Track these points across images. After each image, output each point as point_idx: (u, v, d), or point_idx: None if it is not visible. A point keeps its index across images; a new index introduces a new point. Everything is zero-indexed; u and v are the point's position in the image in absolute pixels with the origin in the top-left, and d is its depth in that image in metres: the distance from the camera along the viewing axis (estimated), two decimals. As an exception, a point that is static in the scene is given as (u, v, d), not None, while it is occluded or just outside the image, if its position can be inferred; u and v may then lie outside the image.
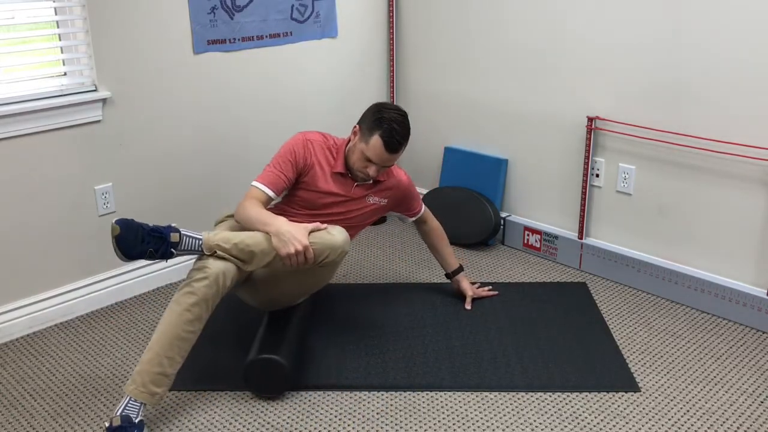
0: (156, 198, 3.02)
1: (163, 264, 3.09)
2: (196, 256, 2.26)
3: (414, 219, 2.82)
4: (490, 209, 3.39)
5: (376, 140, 2.40)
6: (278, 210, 2.55)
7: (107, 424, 2.06)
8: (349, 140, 2.55)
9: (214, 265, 2.19)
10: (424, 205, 2.83)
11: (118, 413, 2.07)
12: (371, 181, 2.58)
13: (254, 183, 2.44)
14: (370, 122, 2.43)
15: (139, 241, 2.13)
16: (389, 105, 2.51)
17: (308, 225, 2.29)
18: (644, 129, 2.92)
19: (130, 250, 2.13)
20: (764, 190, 2.66)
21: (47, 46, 2.72)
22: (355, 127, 2.51)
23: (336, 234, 2.32)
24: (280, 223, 2.26)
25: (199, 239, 2.23)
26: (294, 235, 2.22)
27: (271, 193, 2.43)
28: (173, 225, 2.25)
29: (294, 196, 2.57)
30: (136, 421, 2.08)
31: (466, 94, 3.55)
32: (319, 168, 2.53)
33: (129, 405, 2.09)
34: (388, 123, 2.39)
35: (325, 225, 2.34)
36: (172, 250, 2.18)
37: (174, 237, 2.18)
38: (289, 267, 2.25)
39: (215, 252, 2.21)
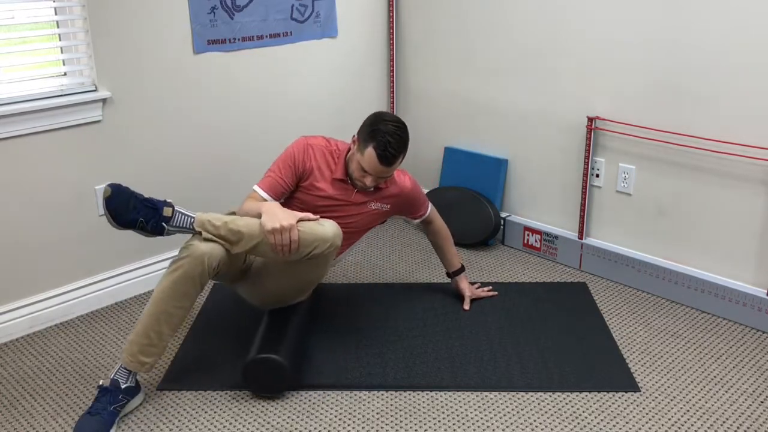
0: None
1: (163, 264, 3.09)
2: (188, 234, 2.29)
3: (418, 221, 2.82)
4: (490, 209, 3.39)
5: (370, 152, 2.38)
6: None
7: (100, 382, 2.22)
8: (350, 148, 2.54)
9: (199, 245, 2.22)
10: (430, 206, 2.81)
11: (110, 376, 2.22)
12: (372, 188, 2.57)
13: (255, 187, 2.49)
14: (366, 133, 2.41)
15: (131, 208, 2.18)
16: (387, 116, 2.47)
17: (299, 213, 2.29)
18: (644, 129, 2.92)
19: (121, 215, 2.17)
20: (764, 190, 2.66)
21: (47, 46, 2.72)
22: (354, 136, 2.50)
23: (327, 226, 2.30)
24: (273, 206, 2.32)
25: (192, 218, 2.26)
26: (283, 214, 2.24)
27: (269, 198, 2.46)
28: (169, 200, 2.27)
29: (293, 198, 2.58)
30: (123, 387, 2.21)
31: (466, 94, 3.55)
32: (319, 173, 2.53)
33: (120, 371, 2.23)
34: (382, 135, 2.36)
35: (317, 216, 2.33)
36: (164, 224, 2.22)
37: (167, 211, 2.23)
38: (274, 251, 2.24)
39: (202, 232, 2.24)
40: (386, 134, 2.37)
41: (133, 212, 2.18)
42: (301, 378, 2.39)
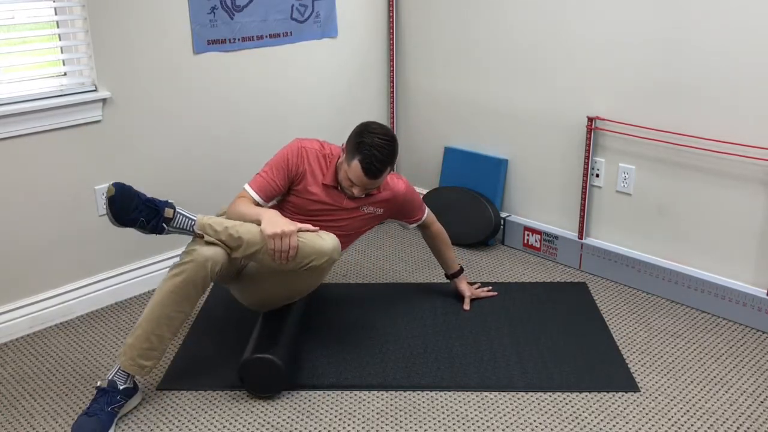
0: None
1: (163, 264, 3.09)
2: (188, 235, 2.29)
3: (414, 226, 2.80)
4: (490, 209, 3.39)
5: (355, 165, 2.35)
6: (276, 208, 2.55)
7: (98, 383, 2.21)
8: (340, 156, 2.50)
9: (203, 250, 2.22)
10: (427, 210, 2.79)
11: (108, 377, 2.22)
12: (363, 195, 2.53)
13: (246, 186, 2.47)
14: (352, 145, 2.38)
15: (133, 208, 2.18)
16: (374, 127, 2.41)
17: (300, 224, 2.30)
18: (644, 129, 2.92)
19: (122, 215, 2.18)
20: (764, 190, 2.66)
21: (47, 46, 2.72)
22: (343, 144, 2.48)
23: (326, 239, 2.30)
24: (273, 213, 2.31)
25: (193, 220, 2.27)
26: (284, 221, 2.25)
27: (259, 199, 2.44)
28: (170, 201, 2.28)
29: (286, 201, 2.57)
30: (121, 388, 2.21)
31: (466, 94, 3.55)
32: (311, 176, 2.51)
33: (118, 373, 2.23)
34: (368, 148, 2.32)
35: (317, 228, 2.33)
36: (164, 225, 2.22)
37: (168, 212, 2.23)
38: (272, 258, 2.24)
39: (204, 236, 2.25)
40: (372, 147, 2.33)
41: (135, 212, 2.18)
42: (296, 377, 2.39)
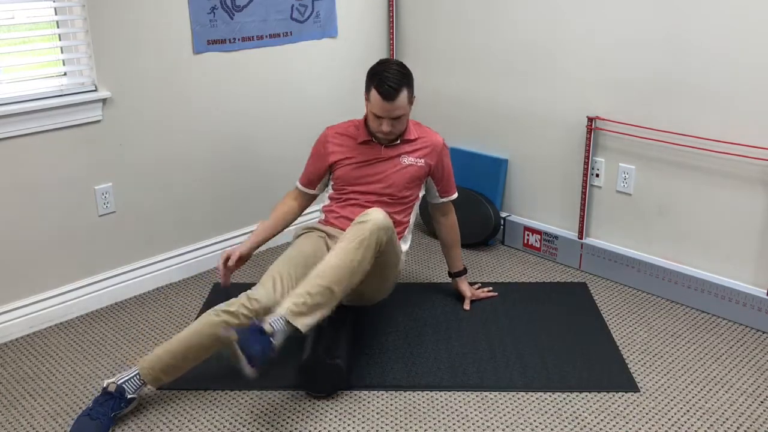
0: (156, 198, 3.02)
1: (163, 263, 3.10)
2: (289, 333, 2.14)
3: (446, 199, 2.78)
4: (490, 209, 3.39)
5: (373, 94, 2.48)
6: (333, 200, 2.68)
7: (104, 384, 2.19)
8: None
9: (263, 298, 2.27)
10: (456, 196, 2.83)
11: (118, 382, 2.19)
12: (398, 141, 2.62)
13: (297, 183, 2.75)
14: (367, 80, 2.52)
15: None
16: (383, 60, 2.58)
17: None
18: (644, 129, 2.92)
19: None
20: (764, 190, 2.66)
21: (47, 46, 2.72)
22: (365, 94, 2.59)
23: (372, 214, 2.29)
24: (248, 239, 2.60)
25: (282, 320, 2.12)
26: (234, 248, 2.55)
27: (300, 187, 2.72)
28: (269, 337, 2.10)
29: (334, 180, 2.69)
30: (128, 397, 2.19)
31: (466, 94, 3.55)
32: (344, 147, 2.64)
33: (131, 380, 2.20)
34: (380, 74, 2.46)
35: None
36: (270, 339, 2.05)
37: (268, 330, 2.07)
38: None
39: (303, 328, 2.13)
40: (383, 72, 2.47)
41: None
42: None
